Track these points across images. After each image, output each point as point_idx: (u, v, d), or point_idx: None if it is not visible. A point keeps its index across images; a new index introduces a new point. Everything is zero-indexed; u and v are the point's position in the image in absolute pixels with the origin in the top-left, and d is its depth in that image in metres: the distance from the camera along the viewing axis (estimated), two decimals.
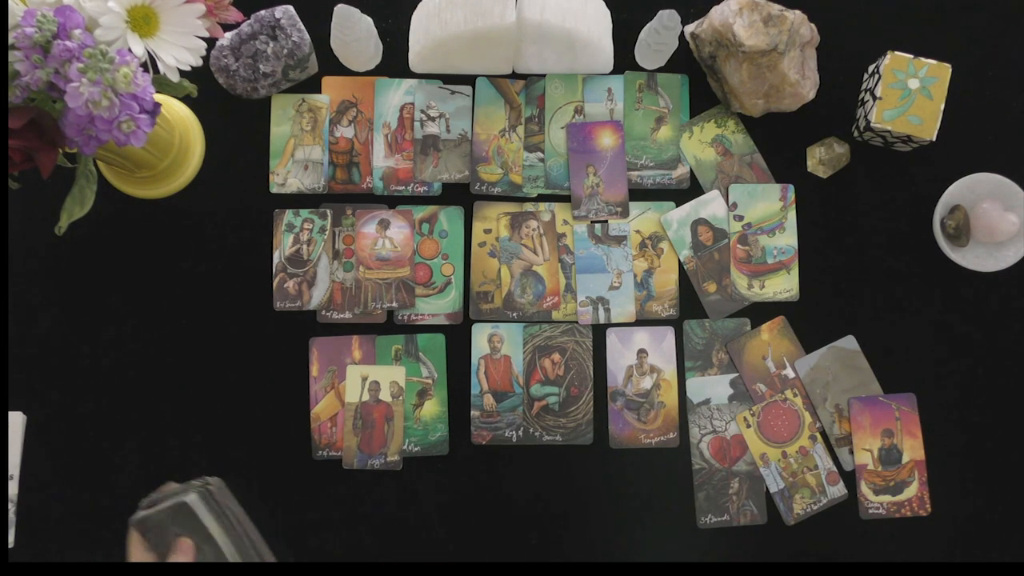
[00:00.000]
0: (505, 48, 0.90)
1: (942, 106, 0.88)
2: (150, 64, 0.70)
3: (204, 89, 0.85)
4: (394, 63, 0.94)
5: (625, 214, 0.93)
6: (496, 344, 0.90)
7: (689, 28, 0.93)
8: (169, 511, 0.71)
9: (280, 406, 0.89)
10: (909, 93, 0.88)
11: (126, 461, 0.88)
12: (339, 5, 0.86)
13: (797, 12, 0.88)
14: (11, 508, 0.86)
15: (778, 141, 0.95)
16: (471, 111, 0.94)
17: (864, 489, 0.89)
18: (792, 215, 0.93)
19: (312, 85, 0.94)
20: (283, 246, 0.91)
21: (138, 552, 0.69)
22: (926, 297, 0.93)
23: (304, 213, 0.91)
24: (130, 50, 0.67)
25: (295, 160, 0.92)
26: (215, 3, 0.73)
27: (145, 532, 0.71)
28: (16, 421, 0.87)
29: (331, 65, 0.94)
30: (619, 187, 0.93)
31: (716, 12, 0.89)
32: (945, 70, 0.89)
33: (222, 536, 0.72)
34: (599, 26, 0.91)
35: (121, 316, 0.90)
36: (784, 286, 0.92)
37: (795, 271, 0.92)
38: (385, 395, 0.89)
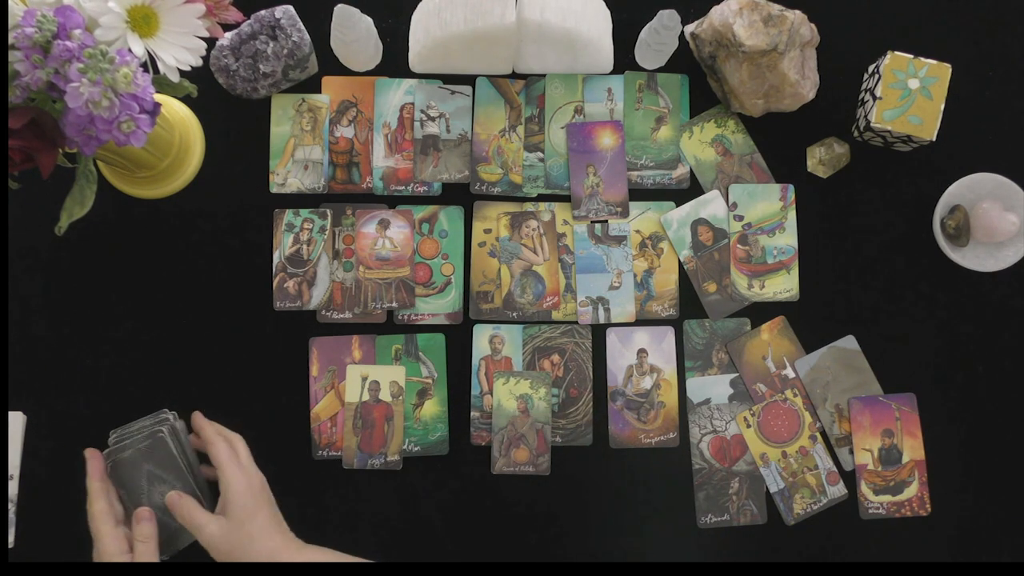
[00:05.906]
0: (505, 48, 0.90)
1: (942, 106, 0.88)
2: (150, 64, 0.70)
3: (204, 89, 0.85)
4: (394, 63, 0.94)
5: (625, 214, 0.93)
6: (497, 346, 0.90)
7: (689, 28, 0.93)
8: (144, 449, 0.78)
9: (280, 406, 0.89)
10: (909, 93, 0.88)
11: None
12: (339, 5, 0.86)
13: (797, 12, 0.88)
14: (11, 508, 0.86)
15: (778, 141, 0.95)
16: (471, 111, 0.94)
17: (864, 489, 0.89)
18: (792, 215, 0.93)
19: (312, 85, 0.94)
20: (283, 246, 0.91)
21: (101, 503, 0.74)
22: (926, 297, 0.93)
23: (304, 213, 0.91)
24: (130, 50, 0.67)
25: (295, 160, 0.92)
26: (215, 3, 0.73)
27: (119, 472, 0.76)
28: (16, 421, 0.87)
29: (331, 65, 0.94)
30: (619, 187, 0.93)
31: (716, 12, 0.89)
32: (945, 70, 0.89)
33: (188, 470, 0.79)
34: (599, 26, 0.91)
35: (121, 316, 0.90)
36: (784, 286, 0.92)
37: (795, 271, 0.92)
38: (385, 395, 0.89)
